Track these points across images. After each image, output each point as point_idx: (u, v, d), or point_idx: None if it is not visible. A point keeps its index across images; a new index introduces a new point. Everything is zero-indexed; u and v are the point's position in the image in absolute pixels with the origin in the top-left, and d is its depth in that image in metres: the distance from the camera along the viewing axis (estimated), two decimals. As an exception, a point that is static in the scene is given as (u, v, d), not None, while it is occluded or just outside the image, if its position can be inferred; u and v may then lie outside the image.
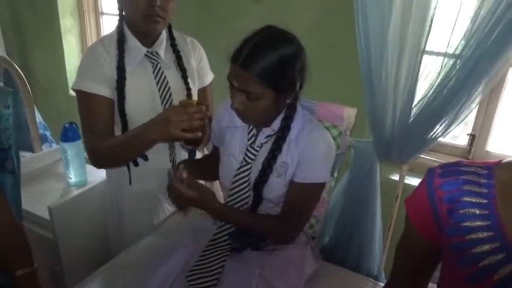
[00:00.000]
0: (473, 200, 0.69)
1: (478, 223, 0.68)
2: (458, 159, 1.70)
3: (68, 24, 2.56)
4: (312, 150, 1.04)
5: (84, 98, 1.18)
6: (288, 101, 1.01)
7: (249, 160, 1.08)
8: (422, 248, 0.79)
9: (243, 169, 1.08)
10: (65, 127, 1.54)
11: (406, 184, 1.39)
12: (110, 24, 2.64)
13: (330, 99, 1.34)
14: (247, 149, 1.09)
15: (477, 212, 0.68)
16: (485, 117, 1.61)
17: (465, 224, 0.69)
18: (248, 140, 1.10)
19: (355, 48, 1.25)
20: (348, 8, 1.56)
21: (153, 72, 1.25)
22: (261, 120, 1.04)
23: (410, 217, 0.79)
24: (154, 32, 1.21)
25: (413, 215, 0.78)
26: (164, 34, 1.28)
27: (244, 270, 1.04)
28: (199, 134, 1.03)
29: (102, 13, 2.63)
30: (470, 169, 0.72)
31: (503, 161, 0.72)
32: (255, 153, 1.08)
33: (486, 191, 0.69)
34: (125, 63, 1.20)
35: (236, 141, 1.12)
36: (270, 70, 0.92)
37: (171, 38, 1.29)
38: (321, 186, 1.08)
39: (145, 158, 1.28)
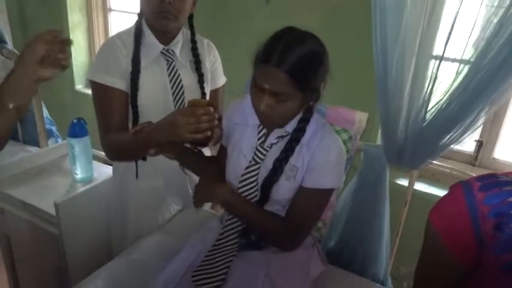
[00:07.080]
0: None
1: None
2: (464, 165, 1.70)
3: (76, 19, 2.57)
4: (323, 155, 1.02)
5: (100, 89, 1.20)
6: (310, 103, 1.01)
7: (258, 160, 1.07)
8: (459, 279, 0.71)
9: (251, 168, 1.07)
10: (73, 123, 1.53)
11: (414, 189, 1.38)
12: (118, 21, 2.64)
13: (339, 103, 1.33)
14: (256, 149, 1.08)
15: None
16: (493, 123, 1.60)
17: None
18: (258, 139, 1.09)
19: (366, 52, 1.24)
20: (359, 10, 1.55)
21: (167, 70, 1.26)
22: (285, 123, 1.03)
23: (448, 244, 0.71)
24: (166, 29, 1.21)
25: (451, 240, 0.70)
26: (182, 34, 1.28)
27: (250, 270, 1.03)
28: (209, 133, 1.02)
29: (110, 9, 2.63)
30: (509, 179, 0.68)
31: None
32: (265, 153, 1.07)
33: None
34: (140, 55, 1.21)
35: (245, 139, 1.11)
36: (303, 67, 0.92)
37: (193, 41, 1.30)
38: (329, 192, 1.06)
39: None
